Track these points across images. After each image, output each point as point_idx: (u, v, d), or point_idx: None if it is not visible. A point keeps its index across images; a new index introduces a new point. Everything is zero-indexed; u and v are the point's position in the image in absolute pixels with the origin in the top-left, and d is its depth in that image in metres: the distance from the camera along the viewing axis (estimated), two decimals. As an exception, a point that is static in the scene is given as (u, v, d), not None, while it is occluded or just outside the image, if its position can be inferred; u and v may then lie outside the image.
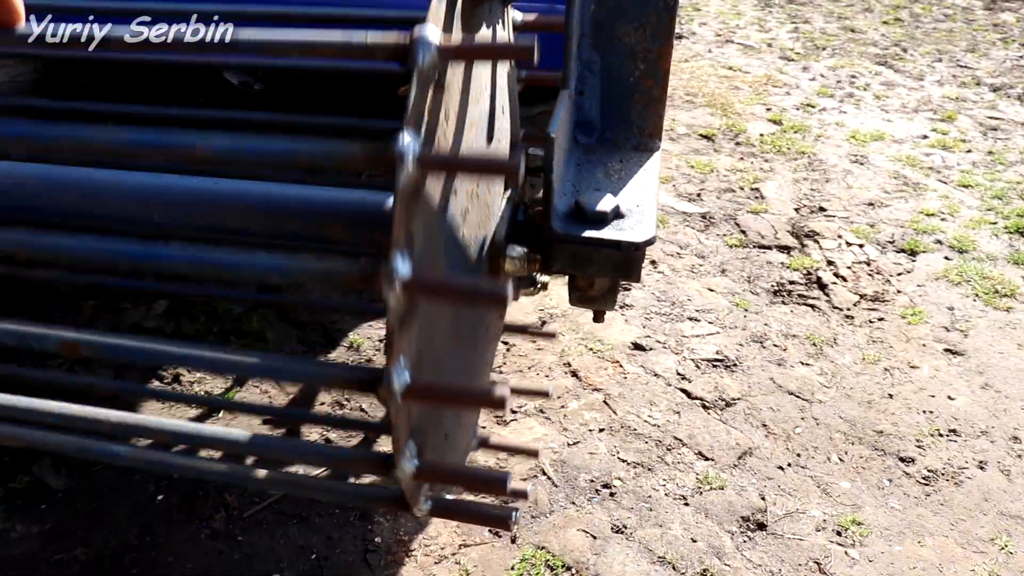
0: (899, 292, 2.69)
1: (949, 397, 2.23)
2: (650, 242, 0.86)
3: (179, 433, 0.91)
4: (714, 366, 2.33)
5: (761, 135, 3.85)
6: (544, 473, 1.95)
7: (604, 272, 0.88)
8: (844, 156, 3.67)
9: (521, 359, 2.35)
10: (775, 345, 2.43)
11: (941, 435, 2.10)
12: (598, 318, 1.12)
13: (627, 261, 0.86)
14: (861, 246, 2.93)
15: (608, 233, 0.86)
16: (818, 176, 3.47)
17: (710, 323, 2.52)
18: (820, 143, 3.79)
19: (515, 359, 2.35)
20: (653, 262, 2.84)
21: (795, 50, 5.09)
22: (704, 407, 2.17)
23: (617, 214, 0.88)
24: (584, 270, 0.89)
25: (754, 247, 2.94)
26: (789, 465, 2.00)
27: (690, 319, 2.54)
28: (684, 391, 2.23)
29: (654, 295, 2.66)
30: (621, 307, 2.61)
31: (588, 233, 0.87)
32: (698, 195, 3.29)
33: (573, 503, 1.88)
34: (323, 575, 1.68)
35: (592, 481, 1.93)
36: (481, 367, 1.26)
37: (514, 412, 2.14)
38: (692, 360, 2.35)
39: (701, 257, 2.88)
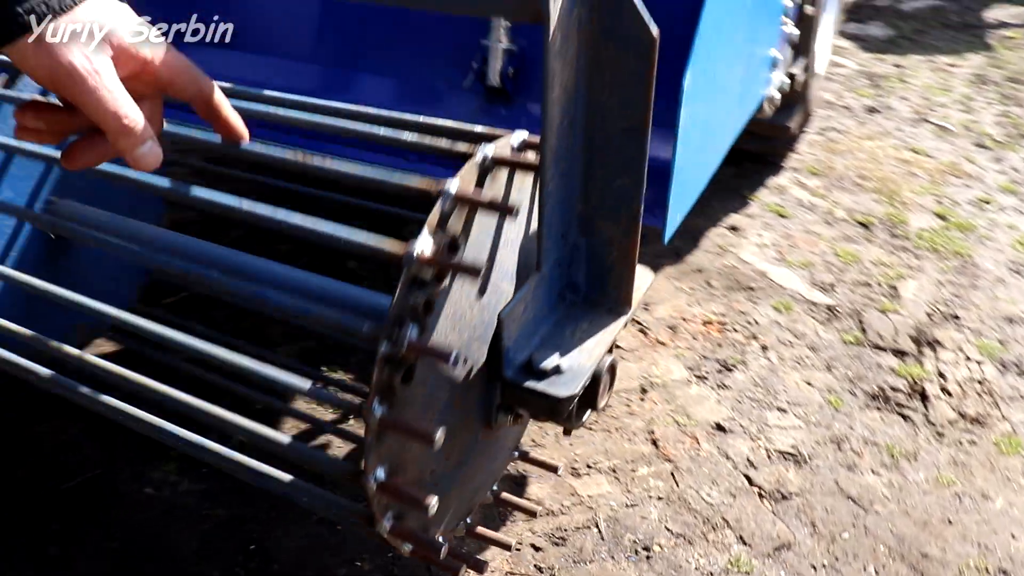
0: (1003, 418, 2.70)
1: (1012, 535, 2.27)
2: (571, 399, 1.16)
3: (183, 404, 1.33)
4: (784, 458, 2.50)
5: (920, 229, 3.84)
6: (597, 526, 2.25)
7: (538, 415, 1.19)
8: (1002, 263, 3.60)
9: (612, 420, 2.65)
10: (852, 449, 2.55)
11: (988, 572, 2.16)
12: (566, 432, 1.42)
13: (553, 409, 1.16)
14: (980, 363, 2.94)
15: (541, 386, 1.17)
16: (965, 281, 3.45)
17: (796, 416, 2.68)
18: (981, 245, 3.73)
19: (606, 419, 2.65)
20: (764, 347, 3.02)
21: (994, 136, 4.91)
22: (760, 495, 2.37)
23: (557, 371, 1.19)
24: (526, 410, 1.21)
25: (870, 347, 3.03)
26: (823, 566, 2.17)
27: (779, 409, 2.72)
28: (747, 477, 2.43)
29: (753, 380, 2.85)
30: (719, 387, 2.83)
31: (528, 383, 1.18)
32: (832, 286, 3.40)
33: (612, 557, 2.16)
34: (394, 572, 2.09)
35: (635, 542, 2.21)
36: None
37: (589, 468, 2.45)
38: (765, 449, 2.54)
39: (812, 349, 3.02)
